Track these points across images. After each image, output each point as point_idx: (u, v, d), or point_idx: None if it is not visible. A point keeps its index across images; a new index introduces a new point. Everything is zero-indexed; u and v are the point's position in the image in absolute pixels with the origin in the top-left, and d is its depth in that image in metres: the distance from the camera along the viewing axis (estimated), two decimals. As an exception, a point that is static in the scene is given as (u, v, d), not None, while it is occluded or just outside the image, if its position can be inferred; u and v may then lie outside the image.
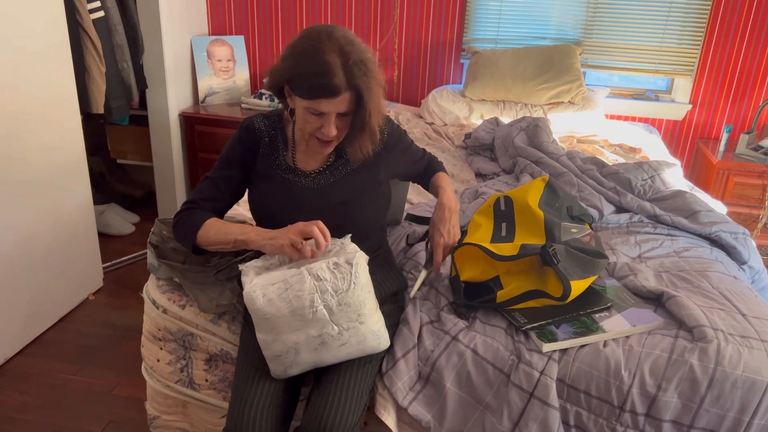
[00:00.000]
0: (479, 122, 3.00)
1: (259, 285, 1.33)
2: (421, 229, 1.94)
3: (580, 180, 2.16)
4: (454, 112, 3.12)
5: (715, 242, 1.93)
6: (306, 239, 1.38)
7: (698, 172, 3.16)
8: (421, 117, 3.22)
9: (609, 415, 1.39)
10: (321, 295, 1.32)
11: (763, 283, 1.97)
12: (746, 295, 1.60)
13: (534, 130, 2.52)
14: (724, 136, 2.96)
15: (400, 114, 3.24)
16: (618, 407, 1.38)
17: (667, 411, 1.36)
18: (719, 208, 2.22)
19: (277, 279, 1.34)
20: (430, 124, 3.14)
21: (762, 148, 2.87)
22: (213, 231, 1.46)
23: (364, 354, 1.42)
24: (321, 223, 1.38)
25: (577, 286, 1.47)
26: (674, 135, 3.33)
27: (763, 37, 3.05)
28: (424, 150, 1.79)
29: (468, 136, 2.84)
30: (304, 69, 1.34)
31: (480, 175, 2.58)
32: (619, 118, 3.36)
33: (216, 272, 1.66)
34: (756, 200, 2.87)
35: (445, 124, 3.14)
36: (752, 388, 1.32)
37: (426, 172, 1.76)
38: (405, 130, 1.72)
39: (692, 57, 3.16)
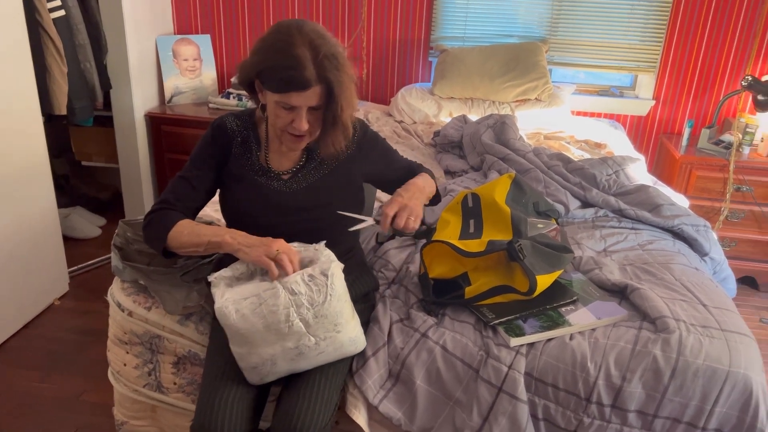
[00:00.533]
0: (448, 120, 3.02)
1: (231, 300, 1.31)
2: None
3: (546, 176, 2.18)
4: (422, 110, 3.13)
5: (678, 235, 1.97)
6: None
7: (662, 166, 3.22)
8: (390, 115, 3.22)
9: (576, 407, 1.41)
10: (296, 309, 1.31)
11: (724, 274, 2.02)
12: (707, 286, 1.64)
13: (501, 127, 2.54)
14: (687, 131, 3.02)
15: (370, 112, 3.24)
16: (585, 399, 1.40)
17: (632, 401, 1.39)
18: (682, 201, 2.28)
19: (250, 293, 1.31)
20: (400, 122, 3.14)
21: (722, 142, 2.94)
22: (186, 232, 1.43)
23: (342, 357, 1.42)
24: (296, 261, 1.36)
25: (543, 281, 1.49)
26: (639, 130, 3.39)
27: (723, 34, 3.12)
28: (410, 160, 1.75)
29: (437, 134, 2.86)
30: (274, 62, 1.33)
31: (449, 173, 2.59)
32: (585, 114, 3.41)
33: (183, 274, 1.64)
34: (717, 193, 2.94)
35: (415, 122, 3.15)
36: (713, 376, 1.36)
37: (407, 177, 1.66)
38: (384, 138, 1.70)
39: (655, 54, 3.23)
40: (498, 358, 1.42)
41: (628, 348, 1.41)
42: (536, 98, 3.11)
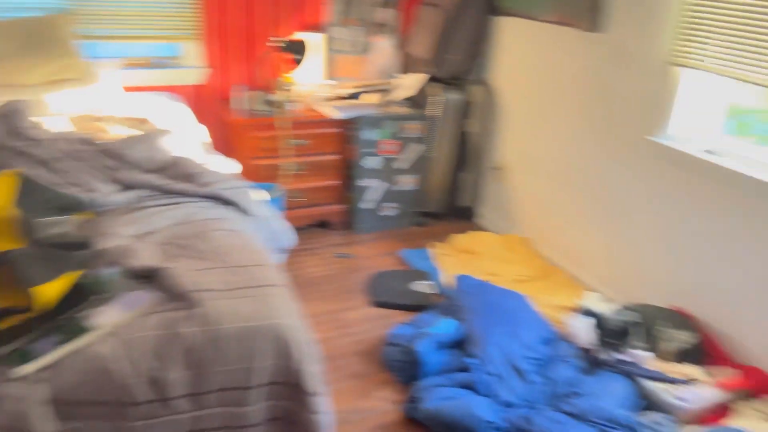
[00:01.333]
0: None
1: None
2: None
3: (74, 163, 1.93)
4: None
5: (223, 201, 1.96)
6: None
7: (226, 132, 3.26)
8: None
9: (120, 416, 1.27)
10: None
11: (276, 228, 2.10)
12: (244, 246, 1.66)
13: (12, 116, 2.15)
14: (240, 96, 3.10)
15: None
16: (129, 404, 1.27)
17: (180, 387, 1.31)
18: (233, 166, 2.30)
19: None
20: None
21: (270, 102, 3.10)
22: None
23: None
24: None
25: (51, 289, 1.28)
26: (199, 99, 3.35)
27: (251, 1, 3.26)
28: None
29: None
30: None
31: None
32: (141, 89, 3.20)
33: None
34: (276, 150, 3.10)
35: None
36: (248, 335, 1.37)
37: None
38: None
39: (194, 21, 3.19)
40: (8, 396, 1.17)
41: (161, 334, 1.31)
42: (73, 78, 2.76)
